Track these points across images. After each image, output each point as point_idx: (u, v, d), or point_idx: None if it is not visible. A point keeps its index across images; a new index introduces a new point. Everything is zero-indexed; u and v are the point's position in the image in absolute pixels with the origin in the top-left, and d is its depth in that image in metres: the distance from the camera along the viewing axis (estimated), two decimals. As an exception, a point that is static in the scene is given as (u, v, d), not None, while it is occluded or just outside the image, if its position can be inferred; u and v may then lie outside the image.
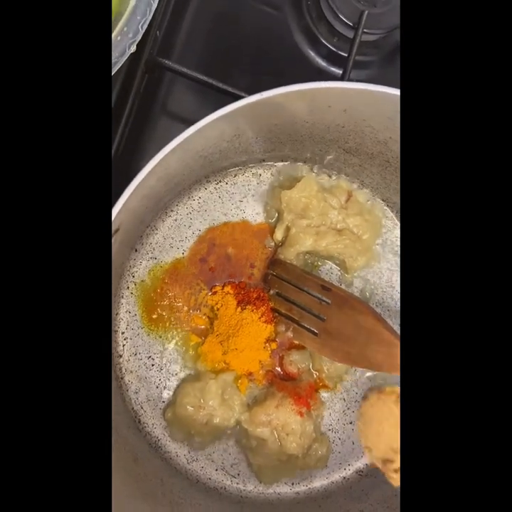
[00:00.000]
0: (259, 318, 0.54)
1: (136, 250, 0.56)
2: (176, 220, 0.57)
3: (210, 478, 0.54)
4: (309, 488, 0.56)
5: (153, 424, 0.54)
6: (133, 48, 0.45)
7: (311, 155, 0.56)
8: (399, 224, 0.59)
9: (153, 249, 0.56)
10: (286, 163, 0.58)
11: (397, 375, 0.53)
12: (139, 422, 0.54)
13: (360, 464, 0.56)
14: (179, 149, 0.37)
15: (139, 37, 0.46)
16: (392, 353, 0.46)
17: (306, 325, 0.53)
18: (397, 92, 0.39)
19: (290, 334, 0.55)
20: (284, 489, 0.56)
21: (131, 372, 0.55)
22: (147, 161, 0.38)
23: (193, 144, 0.39)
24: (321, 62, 0.65)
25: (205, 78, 0.55)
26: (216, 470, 0.55)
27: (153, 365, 0.55)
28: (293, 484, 0.56)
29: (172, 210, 0.57)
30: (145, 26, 0.46)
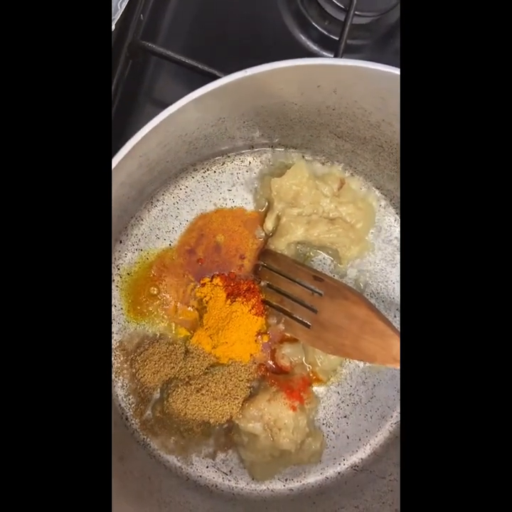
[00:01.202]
0: (250, 310, 0.53)
1: (121, 242, 0.54)
2: (162, 210, 0.55)
3: (200, 476, 0.53)
4: (303, 484, 0.54)
5: (141, 421, 0.53)
6: (125, 4, 0.43)
7: (301, 141, 0.54)
8: (393, 212, 0.58)
9: (139, 240, 0.54)
10: (276, 150, 0.56)
11: (392, 367, 0.52)
12: (127, 419, 0.52)
13: (355, 458, 0.55)
14: (159, 132, 0.35)
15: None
16: (387, 344, 0.45)
17: (298, 317, 0.52)
18: (388, 69, 0.37)
19: (282, 327, 0.53)
20: (277, 486, 0.54)
21: (118, 367, 0.53)
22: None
23: (173, 126, 0.37)
24: (312, 46, 0.63)
25: (191, 62, 0.53)
26: (207, 467, 0.53)
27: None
28: (286, 480, 0.54)
29: (158, 200, 0.55)
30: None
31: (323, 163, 0.56)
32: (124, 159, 0.34)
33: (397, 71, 0.38)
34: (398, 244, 0.57)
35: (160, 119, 0.34)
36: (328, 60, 0.36)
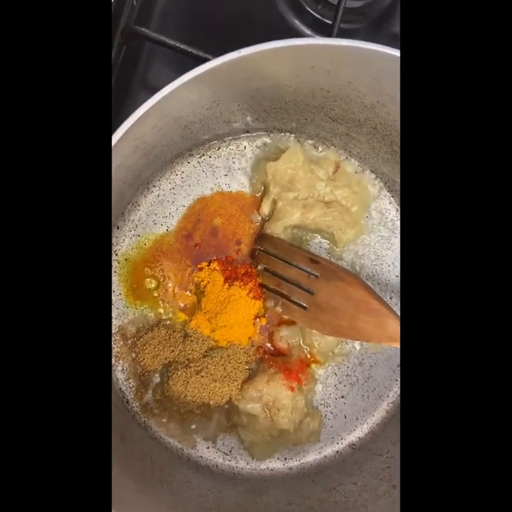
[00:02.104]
0: (247, 294, 0.53)
1: (118, 227, 0.54)
2: (158, 195, 0.55)
3: (201, 456, 0.54)
4: (302, 463, 0.55)
5: (141, 404, 0.53)
6: None
7: (296, 125, 0.54)
8: (388, 195, 0.58)
9: (136, 226, 0.55)
10: (271, 134, 0.56)
11: (387, 346, 0.53)
12: (127, 402, 0.53)
13: (352, 437, 0.56)
14: (153, 115, 0.35)
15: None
16: (382, 323, 0.45)
17: (295, 299, 0.52)
18: (382, 49, 0.38)
19: (279, 309, 0.54)
20: (276, 465, 0.55)
21: (118, 351, 0.53)
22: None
23: (168, 109, 0.37)
24: (306, 31, 0.63)
25: (185, 47, 0.53)
26: (208, 448, 0.54)
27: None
28: (285, 459, 0.55)
29: (154, 186, 0.55)
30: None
31: (318, 147, 0.57)
32: (120, 142, 0.34)
33: (391, 51, 0.38)
34: (393, 227, 0.58)
35: (154, 102, 0.34)
36: (322, 40, 0.37)
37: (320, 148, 0.57)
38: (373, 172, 0.58)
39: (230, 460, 0.54)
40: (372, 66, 0.40)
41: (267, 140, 0.56)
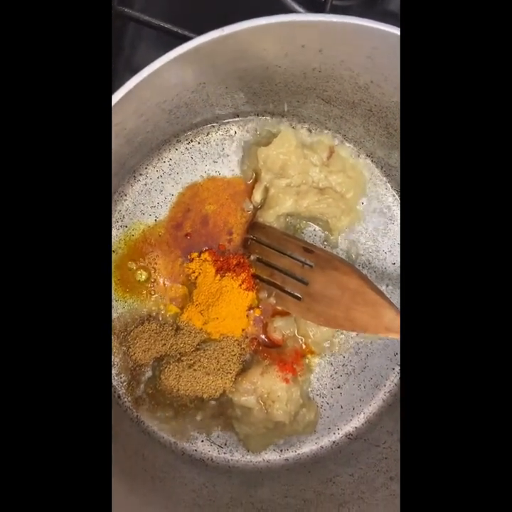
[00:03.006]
0: (240, 285, 0.52)
1: (104, 218, 0.52)
2: (145, 184, 0.53)
3: (195, 450, 0.53)
4: (298, 454, 0.55)
5: (133, 399, 0.52)
6: None
7: (288, 108, 0.52)
8: (385, 180, 0.56)
9: (123, 216, 0.53)
10: (262, 118, 0.54)
11: (384, 336, 0.51)
12: (119, 397, 0.52)
13: (349, 427, 0.55)
14: (133, 98, 0.33)
15: None
16: (379, 313, 0.44)
17: (288, 290, 0.51)
18: (376, 25, 0.35)
19: (273, 300, 0.52)
20: (272, 456, 0.55)
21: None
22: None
23: (149, 92, 0.35)
24: (297, 8, 0.60)
25: (170, 27, 0.50)
26: (202, 441, 0.53)
27: (130, 338, 0.52)
28: (281, 451, 0.55)
29: (141, 174, 0.53)
30: None
31: (311, 131, 0.54)
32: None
33: (386, 28, 0.36)
34: (389, 213, 0.56)
35: (132, 84, 0.32)
36: (313, 16, 0.34)
37: (313, 132, 0.55)
38: (369, 156, 0.56)
39: (225, 452, 0.54)
40: (366, 44, 0.37)
41: (258, 124, 0.54)
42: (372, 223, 0.56)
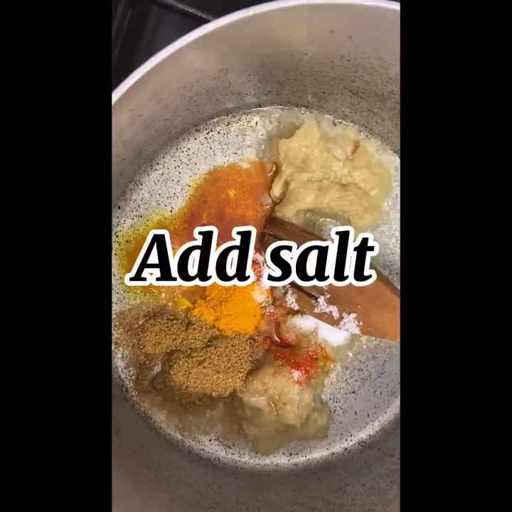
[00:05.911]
0: (255, 281, 0.50)
1: (119, 207, 0.51)
2: (162, 174, 0.51)
3: (203, 449, 0.52)
4: (308, 459, 0.53)
5: (141, 393, 0.51)
6: None
7: (313, 99, 0.50)
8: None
9: (139, 206, 0.51)
10: (285, 108, 0.52)
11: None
12: (126, 390, 0.51)
13: (362, 434, 0.53)
14: (150, 83, 0.31)
15: None
16: (399, 318, 0.42)
17: (304, 289, 0.49)
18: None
19: (288, 299, 0.50)
20: (281, 460, 0.53)
21: (118, 338, 0.51)
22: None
23: (167, 78, 0.33)
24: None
25: (195, 11, 0.49)
26: (210, 440, 0.52)
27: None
28: (291, 455, 0.53)
29: (158, 163, 0.51)
30: None
31: (336, 124, 0.52)
32: (116, 111, 0.31)
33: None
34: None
35: (149, 67, 0.30)
36: (343, -1, 0.32)
37: (338, 125, 0.52)
38: (396, 153, 0.53)
39: (232, 453, 0.52)
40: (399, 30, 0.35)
41: (280, 115, 0.52)
42: (396, 223, 0.53)
